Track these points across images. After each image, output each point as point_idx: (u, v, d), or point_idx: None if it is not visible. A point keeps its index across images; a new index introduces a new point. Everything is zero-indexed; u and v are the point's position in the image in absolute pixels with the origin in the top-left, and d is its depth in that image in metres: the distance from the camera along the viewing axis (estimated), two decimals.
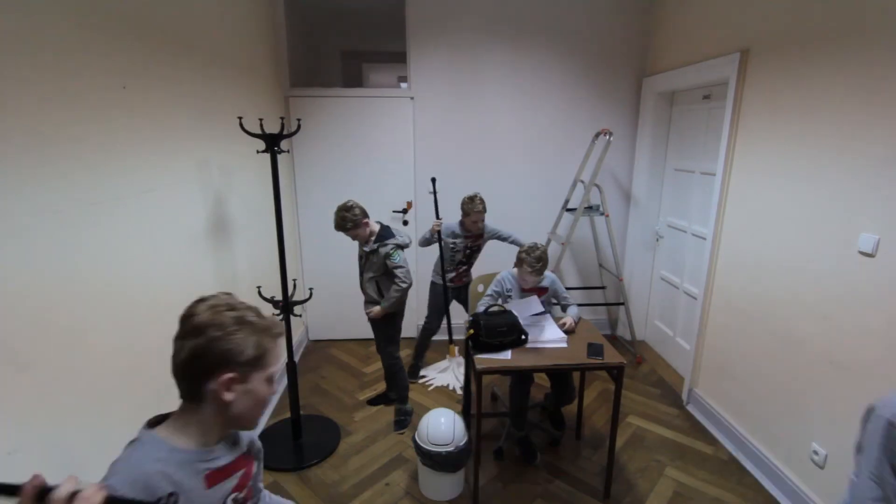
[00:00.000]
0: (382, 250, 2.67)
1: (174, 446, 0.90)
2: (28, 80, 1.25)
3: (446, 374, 3.53)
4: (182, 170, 2.06)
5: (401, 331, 2.96)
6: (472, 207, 3.07)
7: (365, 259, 2.78)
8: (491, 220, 3.23)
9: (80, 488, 0.71)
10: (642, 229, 3.88)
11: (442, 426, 2.33)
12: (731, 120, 2.66)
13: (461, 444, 2.32)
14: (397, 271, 2.68)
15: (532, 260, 2.42)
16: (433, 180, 3.36)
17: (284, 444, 2.72)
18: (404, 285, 2.70)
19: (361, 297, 2.90)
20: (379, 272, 2.73)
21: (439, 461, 2.27)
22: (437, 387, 3.39)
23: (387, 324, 2.86)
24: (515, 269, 2.58)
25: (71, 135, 1.40)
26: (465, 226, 3.22)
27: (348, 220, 2.61)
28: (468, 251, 3.29)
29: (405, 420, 2.95)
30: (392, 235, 2.74)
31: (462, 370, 3.52)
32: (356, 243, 2.86)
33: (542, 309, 2.51)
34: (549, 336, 2.38)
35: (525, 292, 2.61)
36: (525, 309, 2.48)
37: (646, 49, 3.71)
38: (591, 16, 3.61)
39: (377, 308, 2.76)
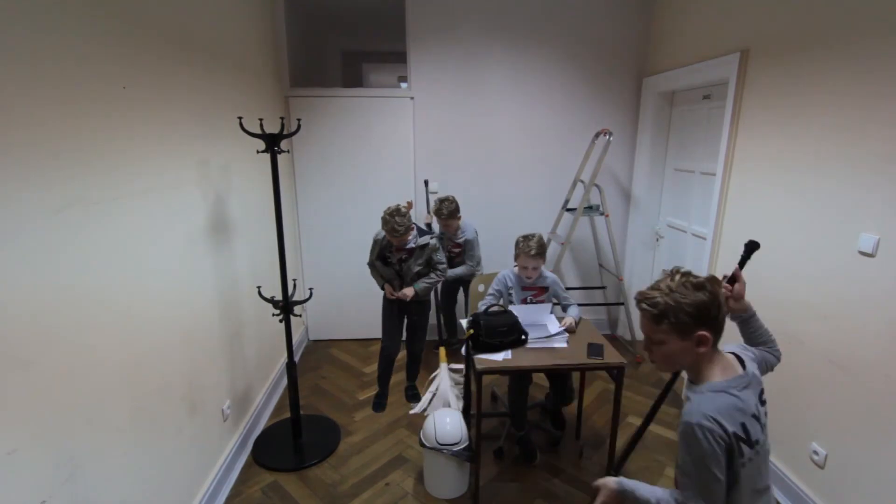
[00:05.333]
0: (433, 242, 2.95)
1: None
2: (27, 80, 1.25)
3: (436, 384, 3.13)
4: (182, 170, 2.06)
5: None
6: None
7: (408, 254, 2.95)
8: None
9: None
10: (642, 229, 3.88)
11: (448, 426, 2.35)
12: (731, 120, 2.66)
13: (463, 443, 2.33)
14: (440, 265, 3.01)
15: (531, 245, 2.43)
16: (426, 182, 3.78)
17: (284, 444, 2.72)
18: (443, 277, 3.07)
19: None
20: (424, 263, 2.97)
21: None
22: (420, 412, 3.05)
23: (424, 313, 3.12)
24: (515, 268, 2.58)
25: (70, 135, 1.40)
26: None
27: (403, 224, 2.74)
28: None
29: (418, 393, 3.24)
30: (426, 233, 3.02)
31: (447, 382, 3.12)
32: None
33: (546, 321, 2.49)
34: (552, 329, 2.40)
35: (525, 290, 2.62)
36: (532, 314, 2.48)
37: (646, 49, 3.71)
38: (591, 16, 3.61)
39: (410, 289, 2.94)
